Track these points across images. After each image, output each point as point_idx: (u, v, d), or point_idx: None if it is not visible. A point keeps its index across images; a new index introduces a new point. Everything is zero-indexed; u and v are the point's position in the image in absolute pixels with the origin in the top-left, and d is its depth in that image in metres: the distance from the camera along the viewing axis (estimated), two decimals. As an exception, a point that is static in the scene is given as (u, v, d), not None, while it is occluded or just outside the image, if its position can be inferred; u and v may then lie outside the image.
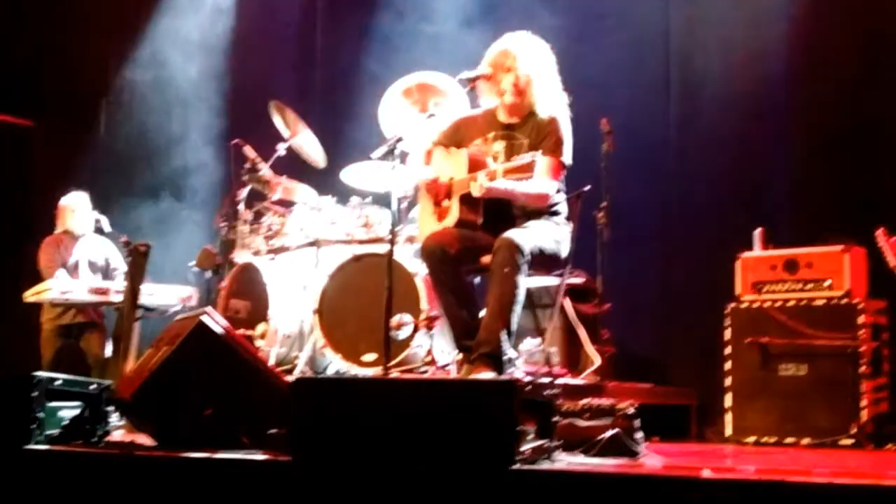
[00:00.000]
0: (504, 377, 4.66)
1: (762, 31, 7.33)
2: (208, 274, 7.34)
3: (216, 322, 4.58)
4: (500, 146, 5.20)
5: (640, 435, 4.41)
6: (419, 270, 5.97)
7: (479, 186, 4.81)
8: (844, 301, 6.01)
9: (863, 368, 5.85)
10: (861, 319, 5.92)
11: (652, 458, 4.25)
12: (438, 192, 5.21)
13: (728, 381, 6.21)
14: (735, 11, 7.45)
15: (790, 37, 7.20)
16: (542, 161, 4.91)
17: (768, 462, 4.74)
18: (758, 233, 6.44)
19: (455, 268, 5.00)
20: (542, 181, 4.96)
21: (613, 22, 7.84)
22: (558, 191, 5.12)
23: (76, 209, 7.92)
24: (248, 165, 7.14)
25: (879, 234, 5.72)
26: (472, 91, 5.39)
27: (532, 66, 5.15)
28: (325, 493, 3.79)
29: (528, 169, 4.65)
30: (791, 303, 6.13)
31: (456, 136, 5.36)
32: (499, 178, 4.70)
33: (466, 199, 5.00)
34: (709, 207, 7.39)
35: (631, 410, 4.42)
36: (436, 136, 5.47)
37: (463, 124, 5.42)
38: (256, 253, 6.95)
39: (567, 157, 5.08)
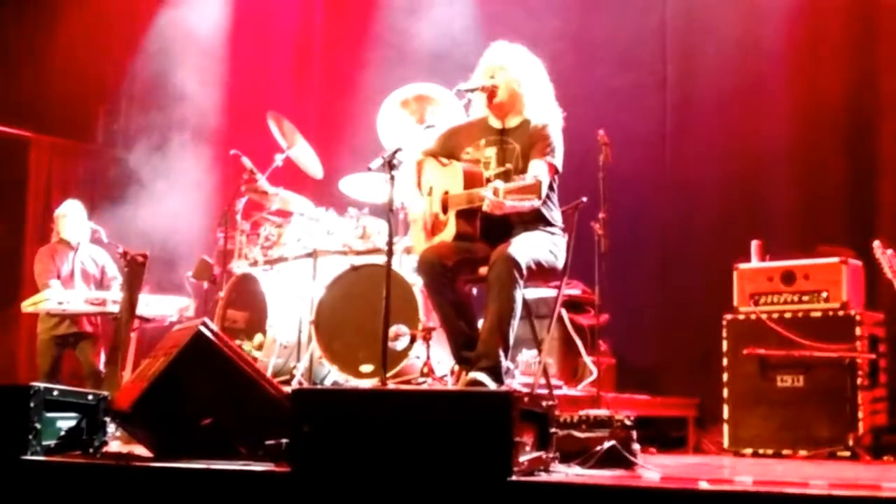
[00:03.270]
0: (501, 388, 4.65)
1: (760, 44, 7.35)
2: (206, 284, 7.35)
3: (213, 332, 4.58)
4: (491, 152, 5.20)
5: (637, 446, 4.41)
6: (417, 281, 5.97)
7: (489, 202, 4.78)
8: (842, 313, 6.02)
9: (860, 380, 5.86)
10: (858, 331, 5.93)
11: (649, 470, 4.24)
12: (429, 224, 5.21)
13: (725, 393, 6.22)
14: (732, 24, 7.47)
15: (788, 48, 7.23)
16: (535, 165, 4.95)
17: (766, 473, 4.74)
18: (755, 244, 6.45)
19: (452, 280, 5.00)
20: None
21: (610, 35, 7.86)
22: (547, 198, 5.09)
23: (70, 218, 7.91)
24: (245, 176, 7.14)
25: (876, 246, 5.72)
26: (468, 102, 5.40)
27: (520, 73, 5.17)
28: (322, 503, 3.79)
29: (530, 191, 4.64)
30: (788, 314, 6.13)
31: (448, 145, 5.37)
32: (501, 197, 4.69)
33: (464, 214, 5.00)
34: (706, 219, 7.41)
35: (628, 421, 4.42)
36: (427, 146, 5.48)
37: (455, 133, 5.43)
38: (254, 263, 6.95)
39: (558, 161, 5.08)
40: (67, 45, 9.47)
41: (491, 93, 5.17)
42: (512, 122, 5.22)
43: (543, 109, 5.19)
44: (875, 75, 6.93)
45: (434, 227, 5.20)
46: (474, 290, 5.37)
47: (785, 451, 5.95)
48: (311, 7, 9.55)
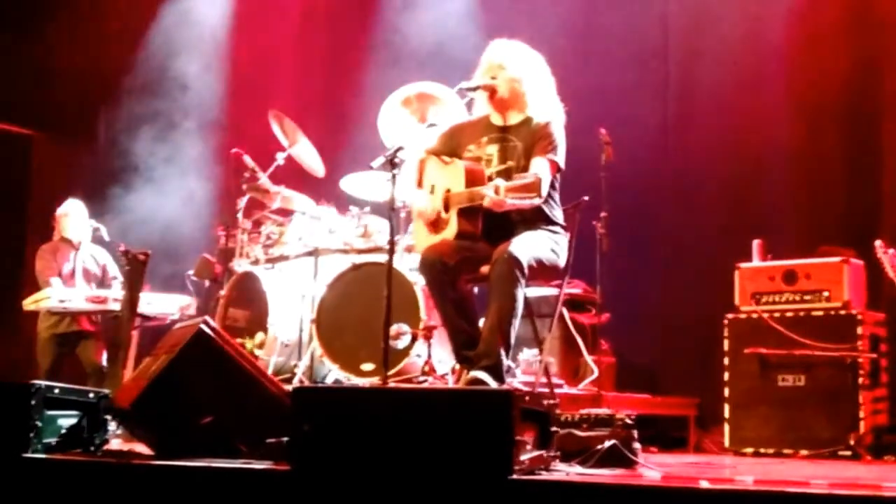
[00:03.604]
0: (502, 387, 4.65)
1: (762, 42, 7.35)
2: (207, 283, 7.35)
3: (214, 331, 4.58)
4: (493, 149, 5.20)
5: (638, 445, 4.41)
6: (418, 280, 5.97)
7: (489, 200, 4.78)
8: (843, 312, 6.02)
9: (861, 379, 5.86)
10: (859, 331, 5.92)
11: (650, 469, 4.24)
12: (432, 219, 5.21)
13: (727, 392, 6.21)
14: (733, 24, 7.47)
15: (789, 47, 7.23)
16: (537, 162, 4.95)
17: (766, 473, 4.73)
18: (757, 244, 6.44)
19: (454, 279, 5.00)
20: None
21: (612, 33, 7.86)
22: (549, 196, 5.10)
23: (71, 217, 7.93)
24: (246, 174, 7.15)
25: (878, 245, 5.72)
26: (471, 101, 5.40)
27: (520, 71, 5.17)
28: (323, 502, 3.79)
29: (531, 188, 4.64)
30: (790, 314, 6.13)
31: (450, 143, 5.37)
32: (502, 195, 4.69)
33: (466, 212, 4.99)
34: (708, 218, 7.41)
35: (629, 420, 4.42)
36: (429, 144, 5.48)
37: (457, 131, 5.43)
38: (255, 262, 6.95)
39: (560, 159, 5.08)
40: (69, 43, 9.47)
41: (492, 91, 5.17)
42: (514, 119, 5.22)
43: (545, 107, 5.19)
44: (878, 74, 6.93)
45: (436, 226, 5.20)
46: (476, 289, 5.37)
47: (786, 451, 5.94)
48: (313, 5, 9.54)
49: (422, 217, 5.31)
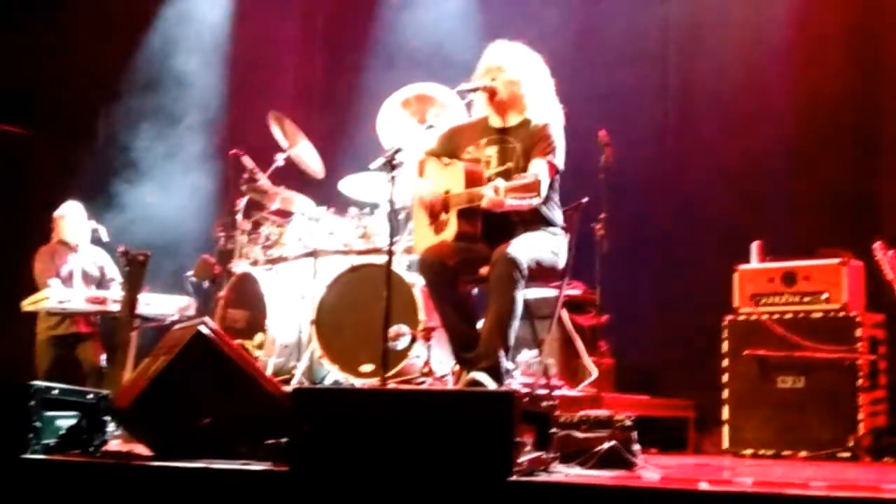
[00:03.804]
0: (502, 389, 4.65)
1: (760, 45, 7.35)
2: (206, 284, 7.35)
3: (213, 332, 4.58)
4: (492, 151, 5.20)
5: (637, 447, 4.41)
6: (417, 281, 5.97)
7: (489, 200, 4.78)
8: (842, 314, 6.01)
9: (860, 381, 5.86)
10: (858, 332, 5.92)
11: (649, 471, 4.24)
12: (434, 206, 5.21)
13: (725, 394, 6.21)
14: (733, 26, 7.47)
15: (789, 49, 7.23)
16: (535, 164, 4.95)
17: (766, 474, 4.73)
18: (756, 245, 6.44)
19: (453, 280, 5.00)
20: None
21: (612, 34, 7.85)
22: (548, 198, 5.10)
23: (69, 219, 7.94)
24: (246, 176, 7.15)
25: (877, 247, 5.72)
26: (470, 102, 5.40)
27: (519, 73, 5.18)
28: (322, 503, 3.79)
29: (530, 189, 4.65)
30: (789, 315, 6.12)
31: (449, 145, 5.37)
32: (502, 196, 4.69)
33: (465, 213, 4.99)
34: (707, 219, 7.40)
35: (628, 422, 4.42)
36: (428, 145, 5.48)
37: (456, 133, 5.43)
38: (254, 263, 6.95)
39: (559, 161, 5.08)
40: (68, 44, 9.46)
41: (491, 93, 5.17)
42: (513, 121, 5.22)
43: (544, 108, 5.20)
44: (878, 74, 6.93)
45: (436, 225, 5.20)
46: (475, 291, 5.37)
47: (785, 453, 5.94)
48: (313, 5, 9.54)
49: (423, 206, 5.29)
